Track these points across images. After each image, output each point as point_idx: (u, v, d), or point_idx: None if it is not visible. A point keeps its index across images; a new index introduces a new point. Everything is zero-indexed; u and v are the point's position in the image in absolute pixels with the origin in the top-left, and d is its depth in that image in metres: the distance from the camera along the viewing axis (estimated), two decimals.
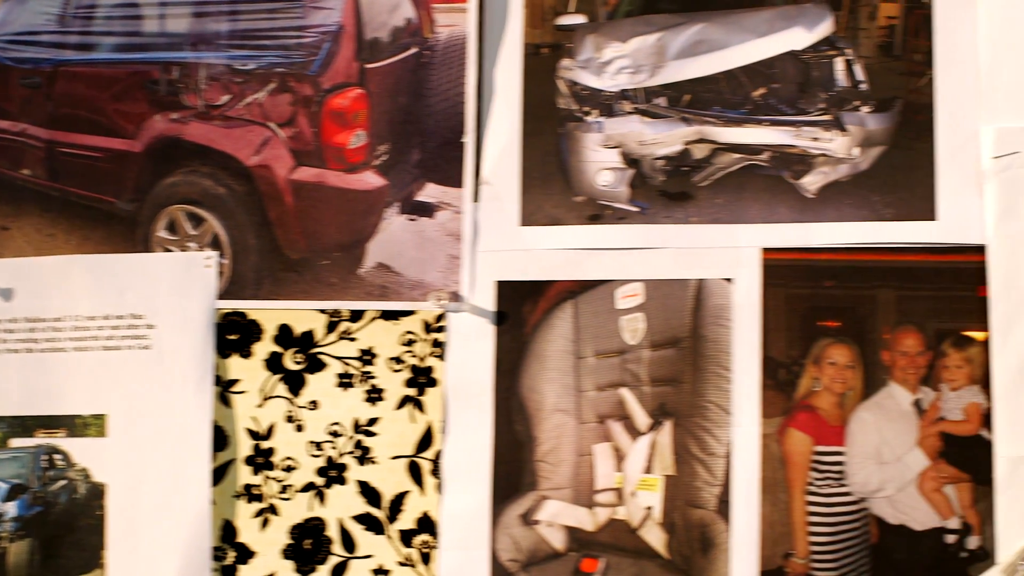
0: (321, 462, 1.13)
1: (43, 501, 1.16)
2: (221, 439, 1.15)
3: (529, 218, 1.12)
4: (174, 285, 1.16)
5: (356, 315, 1.13)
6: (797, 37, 1.12)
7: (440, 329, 1.12)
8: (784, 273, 1.11)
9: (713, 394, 1.10)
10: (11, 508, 1.16)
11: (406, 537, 1.11)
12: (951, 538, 1.09)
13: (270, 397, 1.14)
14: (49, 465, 1.17)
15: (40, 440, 1.17)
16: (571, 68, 1.14)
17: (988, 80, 1.11)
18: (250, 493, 1.14)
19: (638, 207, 1.12)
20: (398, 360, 1.13)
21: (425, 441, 1.12)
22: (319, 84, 1.15)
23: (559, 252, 1.12)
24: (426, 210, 1.13)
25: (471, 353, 1.12)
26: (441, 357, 1.12)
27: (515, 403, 1.11)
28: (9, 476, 1.17)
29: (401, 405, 1.12)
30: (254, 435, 1.15)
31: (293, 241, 1.14)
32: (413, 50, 1.15)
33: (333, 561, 1.12)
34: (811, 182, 1.11)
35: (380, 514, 1.12)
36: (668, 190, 1.12)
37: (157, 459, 1.14)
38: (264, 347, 1.15)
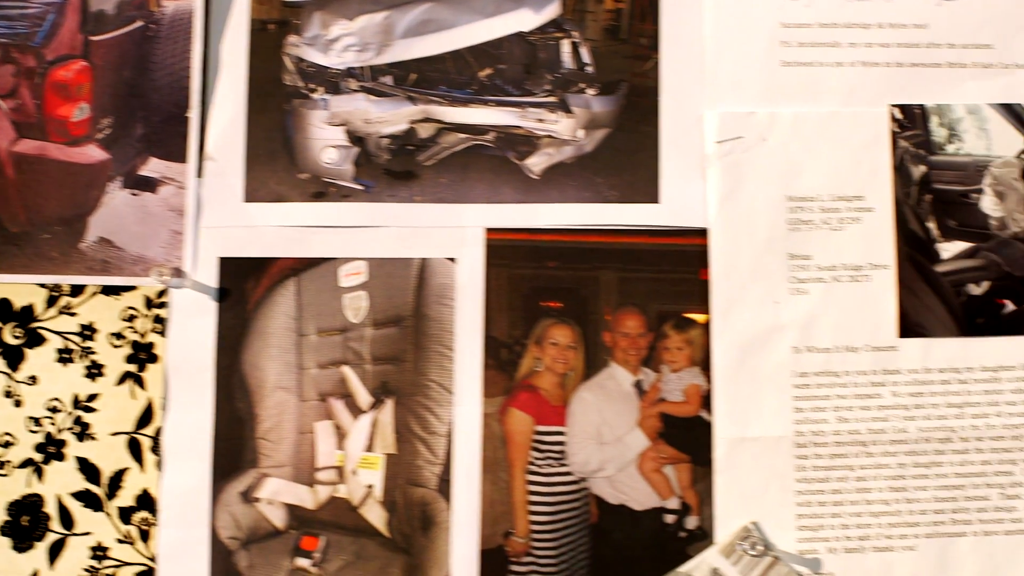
0: (40, 438, 1.11)
1: None
2: None
3: (253, 194, 1.11)
4: None
5: (77, 290, 1.12)
6: (524, 18, 1.12)
7: (162, 305, 1.11)
8: (507, 253, 1.11)
9: (435, 373, 1.10)
10: None
11: (125, 514, 1.10)
12: (670, 518, 1.10)
13: None
14: None
15: None
16: (298, 45, 1.13)
17: (712, 65, 1.12)
18: None
19: (363, 185, 1.12)
20: (119, 336, 1.12)
21: (145, 418, 1.11)
22: (42, 56, 1.13)
23: (283, 229, 1.11)
24: (149, 185, 1.12)
25: (193, 329, 1.11)
26: (163, 333, 1.11)
27: (236, 380, 1.11)
28: None
29: (121, 381, 1.11)
30: None
31: (13, 214, 1.13)
32: (139, 23, 1.13)
33: (51, 538, 1.11)
34: (536, 163, 1.12)
35: (99, 491, 1.11)
36: (393, 169, 1.12)
37: None
38: None
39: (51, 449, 1.12)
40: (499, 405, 1.11)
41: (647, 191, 1.11)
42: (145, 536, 1.11)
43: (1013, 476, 1.11)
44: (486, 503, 1.10)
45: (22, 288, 1.13)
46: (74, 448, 1.12)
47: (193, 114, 1.12)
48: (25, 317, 1.13)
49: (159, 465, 1.11)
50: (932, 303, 1.11)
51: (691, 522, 1.11)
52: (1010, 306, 1.12)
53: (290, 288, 1.12)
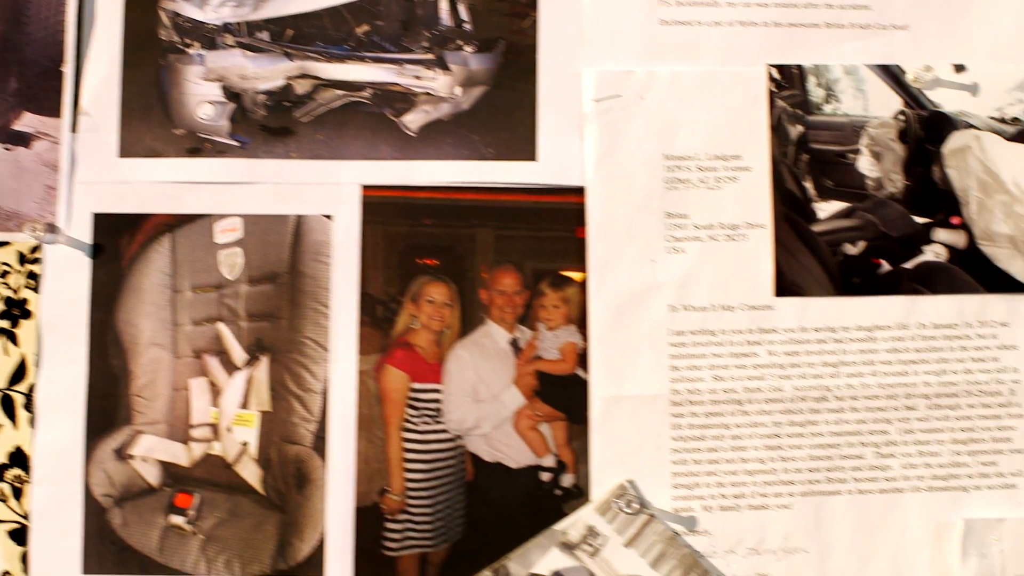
0: None
1: None
2: None
3: (128, 150, 1.11)
4: None
5: None
6: None
7: (35, 261, 1.11)
8: (384, 211, 1.11)
9: (311, 330, 1.10)
10: None
11: None
12: (546, 476, 1.10)
13: None
14: None
15: None
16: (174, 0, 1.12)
17: (590, 24, 1.12)
18: None
19: (238, 141, 1.11)
20: None
21: (19, 374, 1.10)
22: None
23: (158, 185, 1.11)
24: (23, 140, 1.11)
25: (66, 285, 1.10)
26: (36, 289, 1.10)
27: (111, 337, 1.10)
28: None
29: None
30: None
31: None
32: None
33: None
34: (413, 120, 1.11)
35: None
36: (269, 125, 1.12)
37: None
38: None
39: None
40: (375, 362, 1.10)
41: (524, 149, 1.11)
42: (18, 493, 1.10)
43: (887, 435, 1.11)
44: (361, 460, 1.09)
45: None
46: None
47: (68, 68, 1.12)
48: None
49: (32, 422, 1.10)
50: (808, 262, 1.12)
51: (567, 480, 1.11)
52: (885, 266, 1.12)
53: (165, 244, 1.11)
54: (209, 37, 1.13)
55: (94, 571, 1.09)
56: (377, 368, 1.10)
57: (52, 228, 1.10)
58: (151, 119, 1.12)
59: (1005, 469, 1.11)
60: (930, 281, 1.12)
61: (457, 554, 1.09)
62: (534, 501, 1.10)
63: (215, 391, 1.11)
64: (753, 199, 1.12)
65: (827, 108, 1.13)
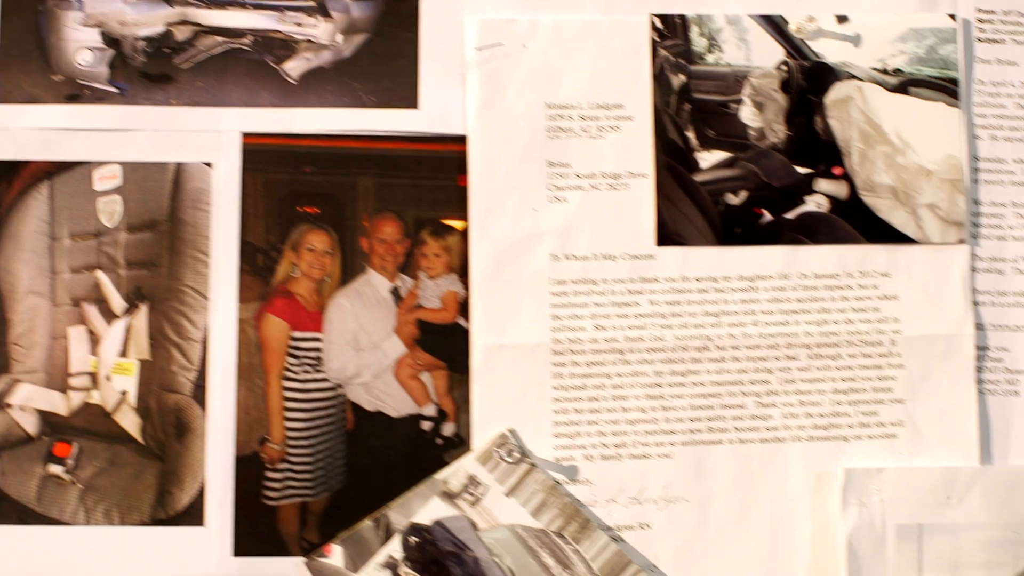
0: None
1: None
2: None
3: (5, 96, 1.10)
4: None
5: None
6: None
7: None
8: (264, 158, 1.10)
9: (190, 278, 1.10)
10: None
11: None
12: (427, 425, 1.10)
13: None
14: None
15: None
16: None
17: None
18: None
19: (118, 88, 1.11)
20: None
21: None
22: None
23: (35, 131, 1.10)
24: None
25: None
26: None
27: None
28: None
29: None
30: None
31: None
32: None
33: None
34: (294, 67, 1.11)
35: None
36: (149, 72, 1.11)
37: None
38: None
39: None
40: (255, 311, 1.10)
41: (406, 97, 1.11)
42: None
43: (769, 385, 1.11)
44: (241, 409, 1.09)
45: None
46: None
47: None
48: None
49: None
50: (690, 212, 1.12)
51: (448, 429, 1.11)
52: (767, 216, 1.12)
53: (43, 192, 1.11)
54: None
55: None
56: (257, 317, 1.10)
57: None
58: (29, 65, 1.11)
59: (885, 419, 1.12)
60: (812, 231, 1.12)
61: (337, 503, 1.09)
62: (415, 450, 1.10)
63: (94, 339, 1.10)
64: (635, 148, 1.12)
65: (710, 58, 1.13)
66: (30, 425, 1.10)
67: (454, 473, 1.09)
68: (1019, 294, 1.14)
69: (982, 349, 1.14)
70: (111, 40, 1.12)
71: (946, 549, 1.11)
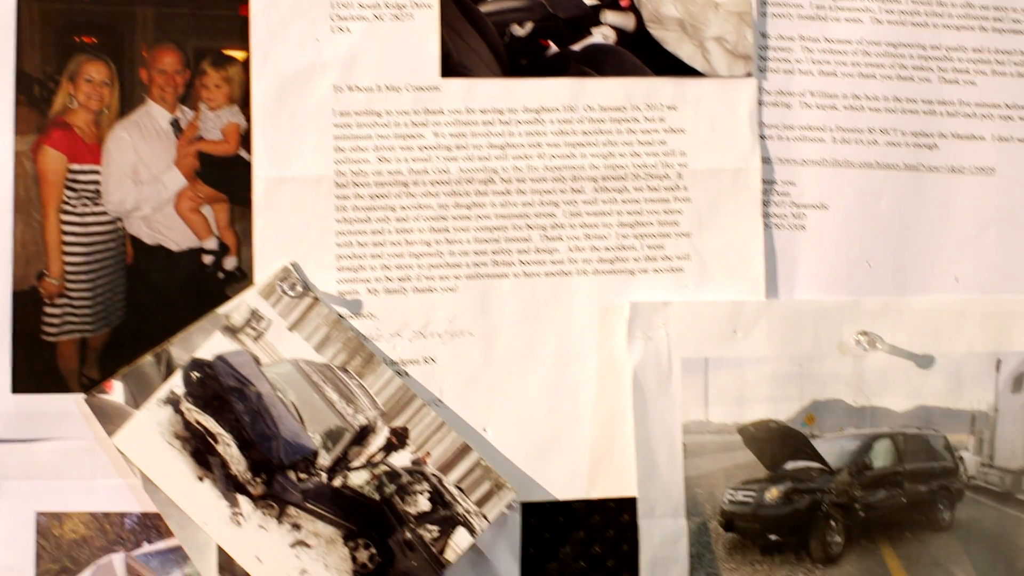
0: None
1: None
2: None
3: None
4: None
5: None
6: None
7: None
8: None
9: None
10: None
11: None
12: (208, 258, 1.09)
13: None
14: None
15: None
16: None
17: None
18: None
19: None
20: None
21: None
22: None
23: None
24: None
25: None
26: None
27: None
28: None
29: None
30: None
31: None
32: None
33: None
34: None
35: None
36: None
37: None
38: None
39: None
40: (31, 143, 1.08)
41: None
42: None
43: (555, 218, 1.10)
44: (18, 244, 1.07)
45: None
46: None
47: None
48: None
49: None
50: (475, 43, 1.10)
51: (230, 263, 1.09)
52: (553, 47, 1.11)
53: None
54: None
55: None
56: (34, 149, 1.08)
57: None
58: None
59: (671, 252, 1.12)
60: (598, 63, 1.11)
61: (118, 338, 1.08)
62: (196, 284, 1.09)
63: None
64: None
65: None
66: None
67: (236, 307, 1.08)
68: (805, 128, 1.14)
69: (768, 183, 1.14)
70: None
71: (732, 382, 1.11)
